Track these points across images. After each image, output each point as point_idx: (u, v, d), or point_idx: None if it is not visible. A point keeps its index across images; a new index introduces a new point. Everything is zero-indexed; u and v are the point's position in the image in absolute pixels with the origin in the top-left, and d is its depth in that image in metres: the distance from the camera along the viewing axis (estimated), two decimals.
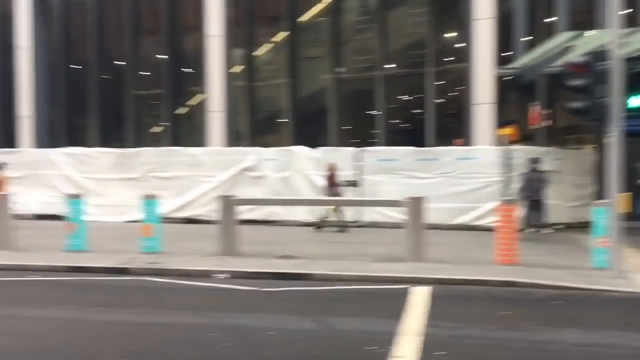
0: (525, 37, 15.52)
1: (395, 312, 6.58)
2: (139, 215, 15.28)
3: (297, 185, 14.82)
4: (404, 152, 14.49)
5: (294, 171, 14.94)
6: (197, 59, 19.25)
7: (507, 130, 13.59)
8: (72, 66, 20.48)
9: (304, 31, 19.25)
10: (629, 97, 12.03)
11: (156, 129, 20.33)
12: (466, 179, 13.80)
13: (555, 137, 15.59)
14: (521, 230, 11.35)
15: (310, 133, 18.79)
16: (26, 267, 9.33)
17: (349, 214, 14.42)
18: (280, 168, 15.14)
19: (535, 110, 14.92)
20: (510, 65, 14.87)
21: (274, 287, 8.06)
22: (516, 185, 12.90)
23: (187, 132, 20.13)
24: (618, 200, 8.22)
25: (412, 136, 17.74)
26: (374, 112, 18.01)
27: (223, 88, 17.50)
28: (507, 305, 7.25)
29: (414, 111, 18.69)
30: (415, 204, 9.39)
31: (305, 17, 18.93)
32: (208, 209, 15.49)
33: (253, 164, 15.29)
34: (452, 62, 17.50)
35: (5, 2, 20.39)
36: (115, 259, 9.74)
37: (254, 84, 19.14)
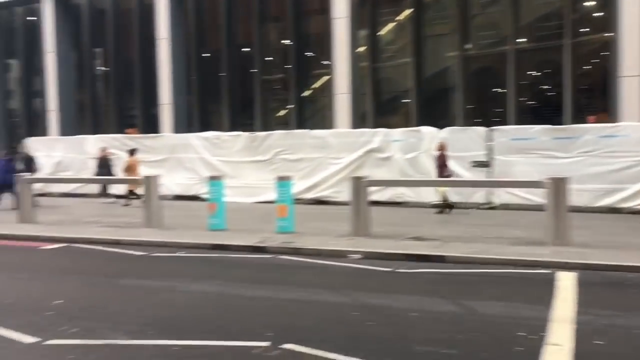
0: None
1: (541, 297, 6.29)
2: (268, 196, 16.02)
3: (424, 166, 14.56)
4: (539, 131, 13.72)
5: (421, 152, 14.69)
6: (322, 42, 19.49)
7: None
8: (204, 55, 21.56)
9: (429, 8, 18.78)
10: None
11: (282, 112, 20.91)
12: (611, 158, 12.84)
13: None
14: None
15: (434, 113, 18.41)
16: (174, 244, 10.02)
17: (478, 195, 14.00)
18: (407, 149, 14.95)
19: None
20: None
21: (409, 269, 8.00)
22: None
23: (312, 114, 20.52)
24: None
25: (544, 114, 16.80)
26: (503, 90, 17.23)
27: (349, 70, 17.56)
28: None
29: (547, 87, 17.66)
30: (558, 185, 8.86)
31: None
32: (335, 190, 15.77)
33: (379, 145, 15.25)
34: (591, 32, 16.26)
35: None
36: (253, 238, 10.15)
37: (378, 64, 19.03)
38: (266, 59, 20.76)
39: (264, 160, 16.70)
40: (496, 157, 14.02)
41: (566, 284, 6.83)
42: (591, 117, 14.98)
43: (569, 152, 13.29)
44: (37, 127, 24.35)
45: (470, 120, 16.98)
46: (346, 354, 4.67)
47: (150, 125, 21.56)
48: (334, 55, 17.81)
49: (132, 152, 16.84)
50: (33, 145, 20.35)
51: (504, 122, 16.11)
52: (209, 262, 8.87)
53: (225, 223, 11.22)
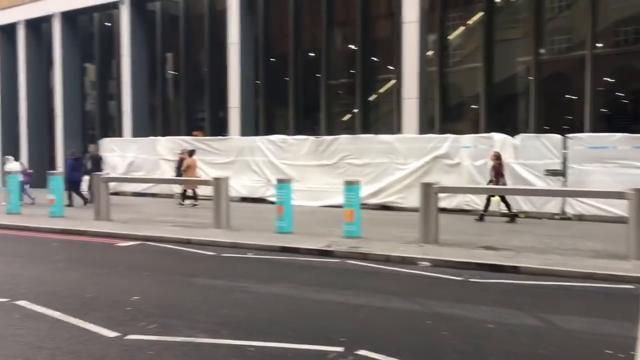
0: None
1: (627, 314, 5.97)
2: (333, 200, 16.05)
3: None
4: (619, 139, 13.13)
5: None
6: (388, 47, 19.37)
7: None
8: (271, 59, 21.85)
9: (501, 12, 18.33)
10: None
11: (347, 117, 20.91)
12: None
13: None
14: None
15: (503, 119, 17.95)
16: (244, 245, 10.16)
17: (551, 204, 13.52)
18: (477, 156, 14.62)
19: None
20: None
21: (481, 279, 7.79)
22: None
23: (377, 119, 20.41)
24: None
25: (620, 121, 16.07)
26: (577, 97, 16.59)
27: (418, 75, 17.33)
28: None
29: (624, 94, 16.88)
30: None
31: None
32: (400, 196, 15.62)
33: (447, 151, 14.99)
34: None
35: (217, 3, 22.35)
36: (320, 241, 10.17)
37: (447, 69, 18.73)
38: (332, 62, 20.82)
39: (330, 165, 16.75)
40: (571, 166, 13.50)
41: None
42: None
43: None
44: (111, 129, 25.36)
45: (541, 127, 16.43)
46: None
47: (218, 128, 22.02)
48: (403, 60, 17.63)
49: (190, 153, 17.29)
50: (108, 146, 21.22)
51: (577, 130, 15.48)
52: (277, 264, 8.93)
53: (292, 226, 11.29)
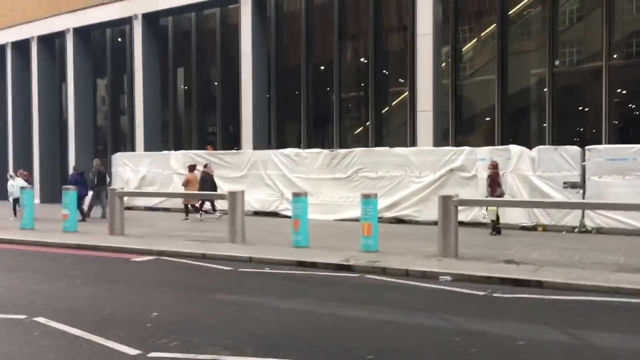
0: None
1: None
2: (347, 214, 15.91)
3: (511, 186, 14.00)
4: (639, 151, 12.91)
5: (508, 171, 14.15)
6: (401, 60, 19.31)
7: None
8: (283, 72, 21.85)
9: (514, 24, 18.25)
10: None
11: (359, 130, 20.82)
12: None
13: None
14: None
15: (518, 131, 17.80)
16: (260, 259, 10.03)
17: (570, 217, 13.32)
18: None
19: None
20: None
21: (504, 293, 7.62)
22: None
23: (389, 132, 20.31)
24: None
25: (636, 134, 15.89)
26: (592, 108, 16.42)
27: (432, 87, 17.23)
28: None
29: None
30: None
31: (515, 9, 17.98)
32: (415, 209, 15.45)
33: (463, 164, 14.83)
34: None
35: (232, 15, 22.42)
36: (337, 255, 10.03)
37: (460, 81, 18.64)
38: (344, 75, 20.79)
39: (344, 178, 16.61)
40: (589, 178, 13.31)
41: None
42: None
43: None
44: (122, 144, 25.41)
45: (556, 139, 16.25)
46: None
47: (230, 142, 21.99)
48: (417, 72, 17.54)
49: (191, 168, 17.34)
50: (121, 160, 21.22)
51: (593, 142, 15.29)
52: (296, 279, 8.81)
53: (308, 240, 11.16)
